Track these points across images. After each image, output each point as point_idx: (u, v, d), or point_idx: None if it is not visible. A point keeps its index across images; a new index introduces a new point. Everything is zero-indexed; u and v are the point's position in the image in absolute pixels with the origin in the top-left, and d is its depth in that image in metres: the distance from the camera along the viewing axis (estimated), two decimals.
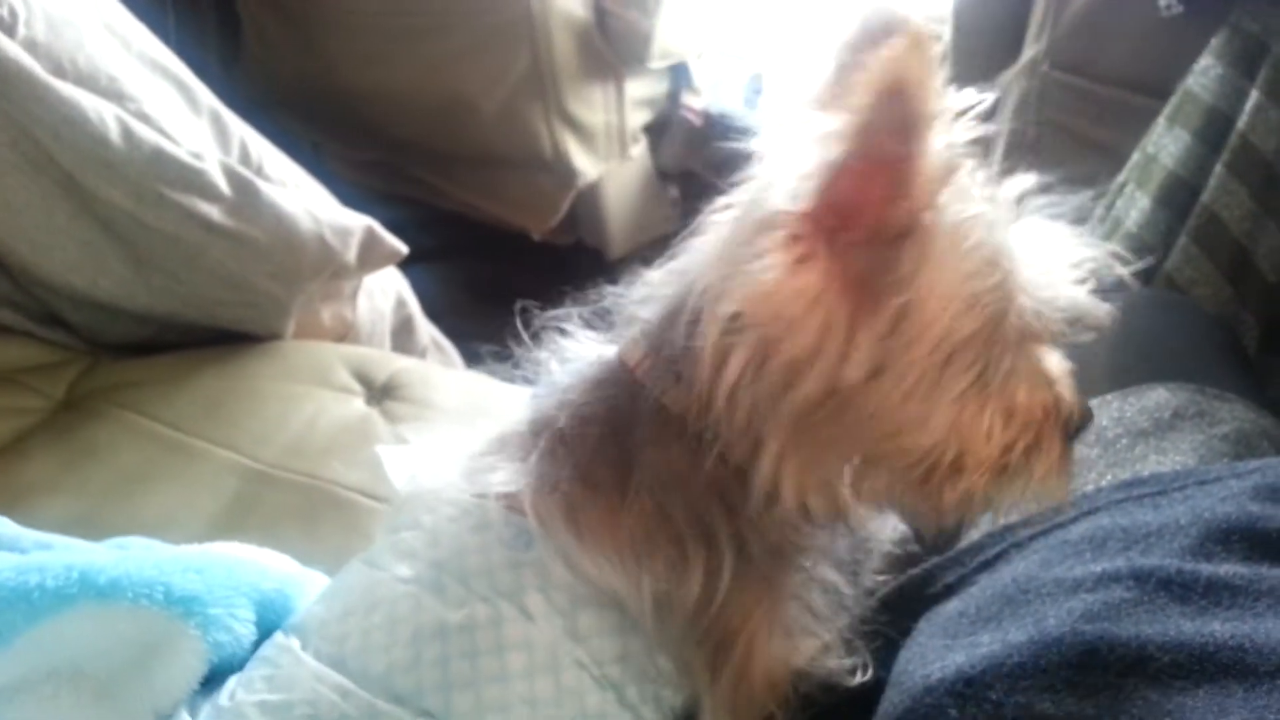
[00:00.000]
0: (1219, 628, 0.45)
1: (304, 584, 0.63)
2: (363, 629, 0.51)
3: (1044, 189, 0.51)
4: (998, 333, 0.47)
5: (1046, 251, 0.50)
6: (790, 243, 0.43)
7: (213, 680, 0.56)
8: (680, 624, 0.51)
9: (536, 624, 0.49)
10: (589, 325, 0.56)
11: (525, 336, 0.58)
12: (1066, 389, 0.53)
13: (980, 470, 0.50)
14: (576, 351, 0.55)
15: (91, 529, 0.69)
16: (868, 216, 0.43)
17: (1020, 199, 0.50)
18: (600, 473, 0.50)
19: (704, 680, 0.52)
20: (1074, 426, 0.53)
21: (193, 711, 0.54)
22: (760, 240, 0.44)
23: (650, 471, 0.50)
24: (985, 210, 0.47)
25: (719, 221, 0.49)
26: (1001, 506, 0.53)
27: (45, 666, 0.54)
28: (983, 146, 0.48)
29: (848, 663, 0.55)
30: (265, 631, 0.58)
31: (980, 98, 0.47)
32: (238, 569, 0.59)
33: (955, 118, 0.46)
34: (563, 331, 0.56)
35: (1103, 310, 0.51)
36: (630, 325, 0.53)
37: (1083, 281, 0.51)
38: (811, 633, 0.54)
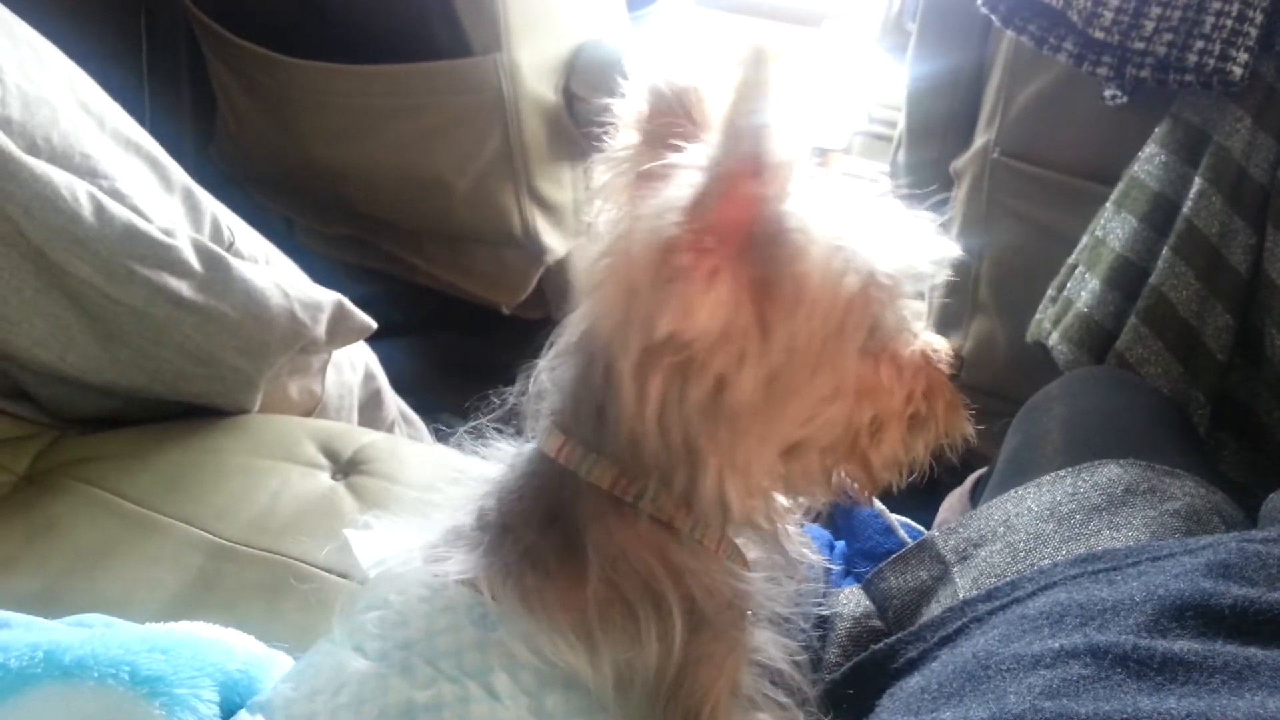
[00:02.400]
0: (1175, 704, 0.46)
1: (269, 664, 0.62)
2: (330, 709, 0.51)
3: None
4: (868, 299, 0.51)
5: (885, 222, 0.54)
6: (699, 260, 0.46)
7: None
8: (643, 698, 0.52)
9: (502, 703, 0.50)
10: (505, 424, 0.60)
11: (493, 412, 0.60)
12: (929, 333, 0.59)
13: (895, 423, 0.56)
14: (504, 450, 0.58)
15: (51, 605, 0.68)
16: (748, 222, 0.47)
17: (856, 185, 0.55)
18: (548, 556, 0.52)
19: None
20: (951, 362, 0.59)
21: None
22: (666, 267, 0.47)
23: (594, 548, 0.52)
24: (831, 192, 0.52)
25: (605, 268, 0.52)
26: (924, 459, 0.58)
27: None
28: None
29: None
30: (229, 712, 0.57)
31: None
32: (203, 649, 0.59)
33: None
34: (483, 434, 0.60)
35: (929, 263, 0.55)
36: (537, 419, 0.56)
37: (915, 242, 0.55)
38: (775, 702, 0.56)
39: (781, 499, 0.57)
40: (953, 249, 0.55)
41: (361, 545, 0.60)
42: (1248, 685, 0.47)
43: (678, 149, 0.48)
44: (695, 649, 0.52)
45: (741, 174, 0.45)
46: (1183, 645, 0.50)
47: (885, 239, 0.52)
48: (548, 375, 0.57)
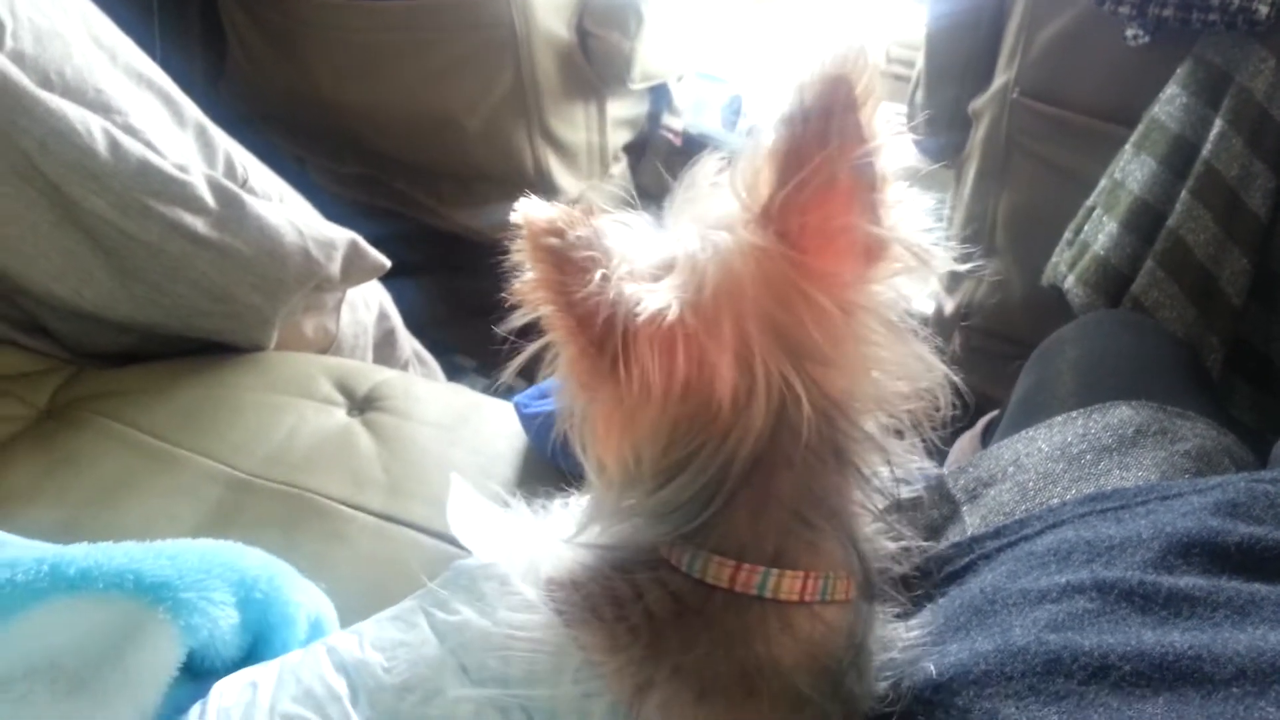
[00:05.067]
0: (1178, 638, 0.47)
1: (291, 579, 0.62)
2: (419, 709, 0.49)
3: None
4: None
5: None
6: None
7: (196, 667, 0.55)
8: None
9: None
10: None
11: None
12: None
13: None
14: (627, 533, 0.51)
15: (72, 536, 0.68)
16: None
17: None
18: (708, 678, 0.47)
19: None
20: None
21: (180, 704, 0.53)
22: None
23: (780, 661, 0.48)
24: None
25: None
26: None
27: (22, 664, 0.53)
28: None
29: None
30: (250, 616, 0.57)
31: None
32: (213, 555, 0.58)
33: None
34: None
35: None
36: (686, 540, 0.49)
37: None
38: None
39: None
40: None
41: (463, 501, 0.58)
42: (1250, 619, 0.47)
43: None
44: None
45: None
46: (1188, 581, 0.50)
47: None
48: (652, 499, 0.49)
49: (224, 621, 0.57)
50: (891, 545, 0.52)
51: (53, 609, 0.55)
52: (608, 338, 0.45)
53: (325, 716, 0.49)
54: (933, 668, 0.49)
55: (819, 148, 0.44)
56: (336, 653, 0.53)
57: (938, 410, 0.51)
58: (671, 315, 0.44)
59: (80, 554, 0.56)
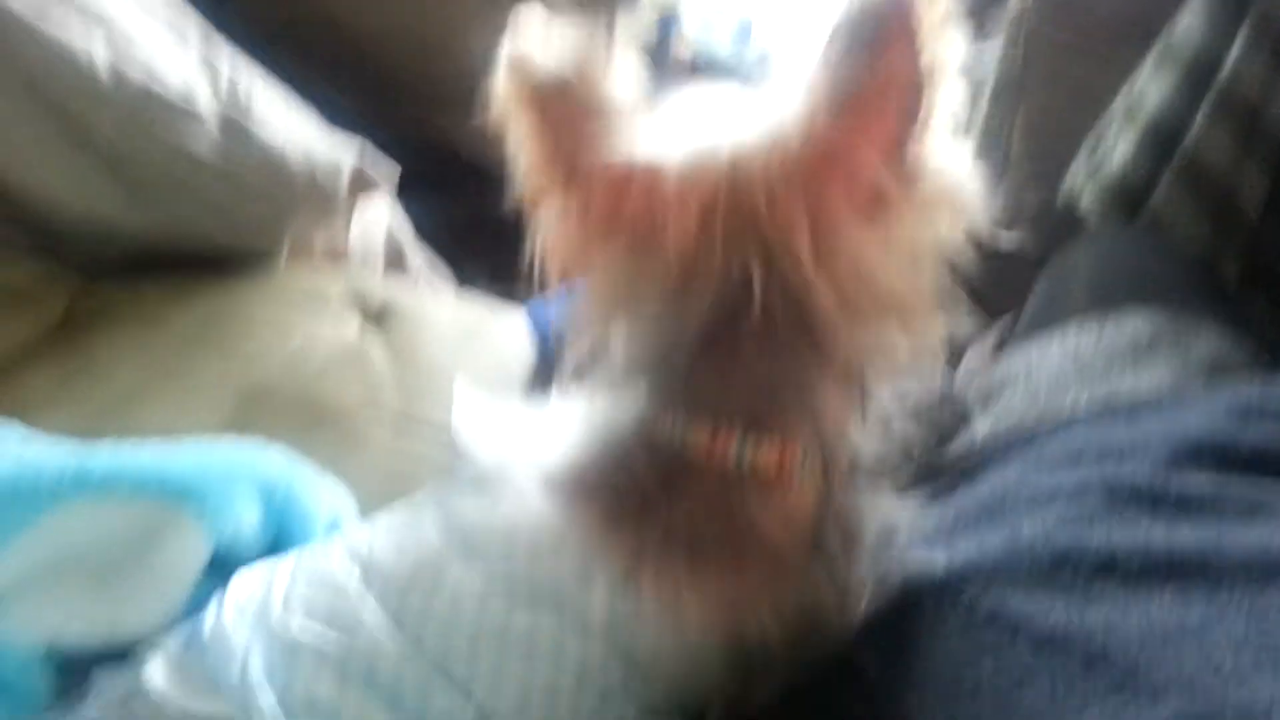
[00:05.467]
0: (1186, 535, 0.47)
1: (312, 479, 0.63)
2: (423, 607, 0.50)
3: None
4: None
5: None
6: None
7: (220, 564, 0.56)
8: (782, 649, 0.50)
9: (594, 645, 0.49)
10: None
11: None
12: None
13: None
14: (623, 407, 0.53)
15: (92, 443, 0.70)
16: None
17: None
18: (697, 543, 0.49)
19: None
20: None
21: (203, 599, 0.54)
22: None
23: (764, 530, 0.49)
24: None
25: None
26: None
27: (51, 559, 0.54)
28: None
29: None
30: (274, 515, 0.58)
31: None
32: (235, 455, 0.59)
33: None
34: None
35: None
36: (672, 403, 0.51)
37: None
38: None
39: None
40: None
41: (466, 404, 0.59)
42: (1258, 518, 0.48)
43: None
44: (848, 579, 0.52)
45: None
46: (1197, 481, 0.51)
47: None
48: (635, 344, 0.52)
49: (247, 521, 0.58)
50: (886, 440, 0.54)
51: (79, 508, 0.55)
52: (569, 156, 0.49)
53: (338, 598, 0.50)
54: (942, 562, 0.50)
55: (868, 75, 0.44)
56: (350, 543, 0.54)
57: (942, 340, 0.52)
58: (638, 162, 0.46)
59: (106, 455, 0.57)
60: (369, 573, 0.51)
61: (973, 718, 0.43)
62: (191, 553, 0.55)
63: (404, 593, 0.50)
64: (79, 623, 0.53)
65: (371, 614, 0.49)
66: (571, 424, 0.54)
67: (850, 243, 0.47)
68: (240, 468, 0.59)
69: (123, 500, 0.55)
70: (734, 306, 0.48)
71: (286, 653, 0.49)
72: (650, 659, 0.50)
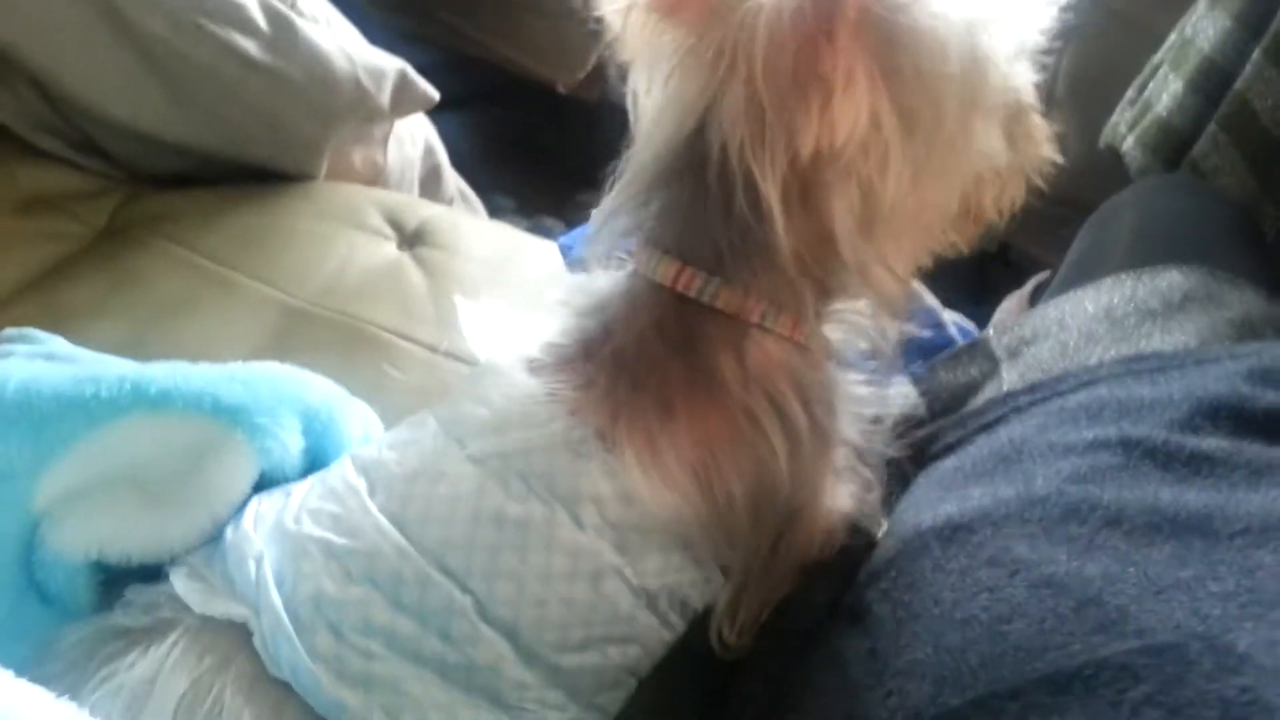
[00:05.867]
0: (1194, 496, 0.48)
1: (347, 404, 0.65)
2: (426, 496, 0.53)
3: None
4: (998, 70, 0.51)
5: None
6: (834, 60, 0.45)
7: (263, 485, 0.58)
8: (732, 529, 0.53)
9: (586, 533, 0.52)
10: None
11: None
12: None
13: (1012, 177, 0.57)
14: (605, 278, 0.57)
15: (136, 352, 0.71)
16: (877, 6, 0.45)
17: None
18: (675, 393, 0.52)
19: (757, 557, 0.55)
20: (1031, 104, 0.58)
21: (257, 527, 0.56)
22: (800, 72, 0.45)
23: (730, 376, 0.52)
24: None
25: (708, 73, 0.50)
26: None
27: (103, 473, 0.57)
28: None
29: (876, 500, 0.59)
30: (312, 441, 0.60)
31: None
32: (281, 382, 0.61)
33: None
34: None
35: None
36: (650, 242, 0.54)
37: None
38: (855, 473, 0.58)
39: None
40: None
41: (469, 318, 0.61)
42: (1266, 480, 0.49)
43: None
44: (812, 454, 0.54)
45: None
46: (1211, 443, 0.52)
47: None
48: (635, 196, 0.54)
49: (293, 446, 0.60)
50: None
51: (135, 424, 0.57)
52: None
53: (345, 506, 0.54)
54: (954, 510, 0.52)
55: None
56: (358, 457, 0.58)
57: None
58: None
59: (161, 374, 0.59)
60: (373, 482, 0.55)
61: (960, 645, 0.45)
62: (241, 472, 0.57)
63: (406, 497, 0.53)
64: (127, 536, 0.55)
65: (374, 518, 0.53)
66: (557, 311, 0.57)
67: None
68: (288, 392, 0.61)
69: (178, 416, 0.57)
70: (706, 147, 0.50)
71: (295, 555, 0.53)
72: (639, 537, 0.52)
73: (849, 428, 0.57)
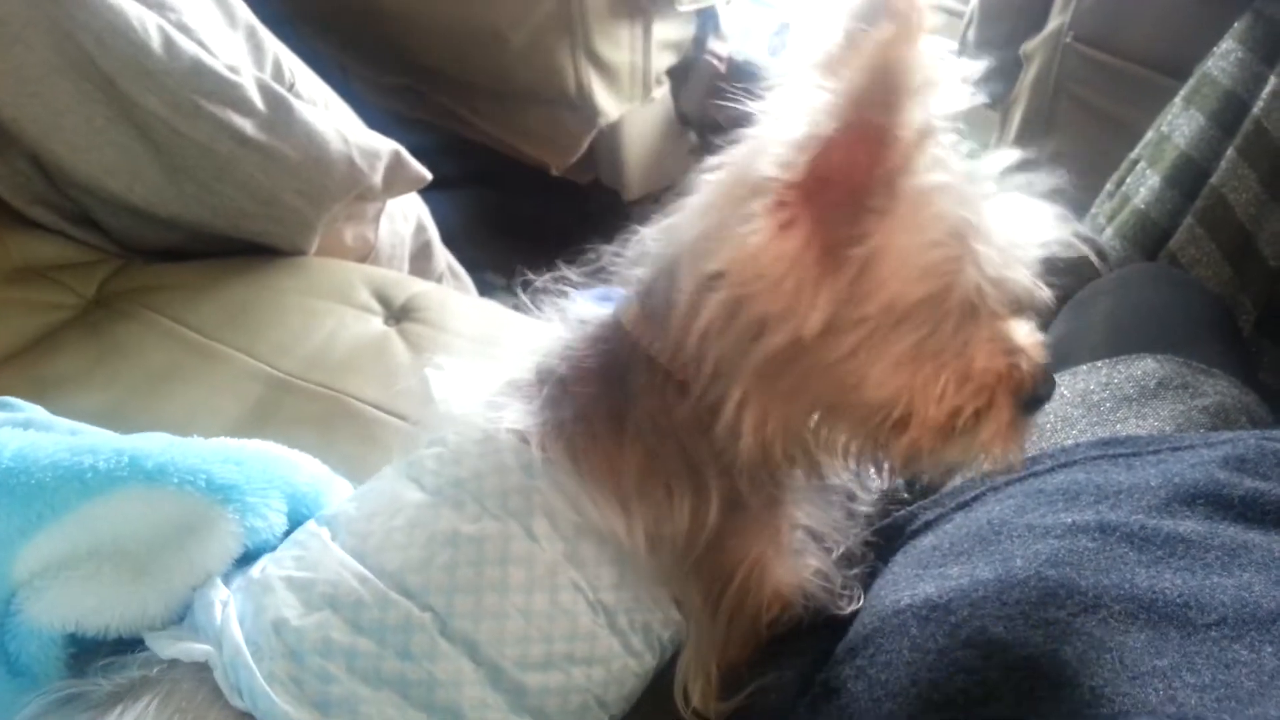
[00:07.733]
0: (1170, 580, 0.49)
1: (331, 484, 0.66)
2: (385, 529, 0.55)
3: (1025, 165, 0.51)
4: (947, 302, 0.49)
5: (1013, 230, 0.51)
6: (777, 209, 0.45)
7: (247, 562, 0.59)
8: (670, 561, 0.55)
9: (540, 545, 0.53)
10: (587, 283, 0.60)
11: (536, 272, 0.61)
12: (1027, 360, 0.53)
13: (925, 429, 0.51)
14: (577, 311, 0.59)
15: (118, 423, 0.72)
16: (849, 183, 0.45)
17: (1001, 174, 0.51)
18: (600, 419, 0.54)
19: (700, 613, 0.56)
20: (1029, 396, 0.53)
21: (226, 584, 0.57)
22: (748, 205, 0.46)
23: (644, 419, 0.53)
24: (956, 182, 0.48)
25: (709, 181, 0.51)
26: (951, 464, 0.55)
27: (89, 544, 0.57)
28: (983, 117, 0.50)
29: (845, 579, 0.59)
30: (295, 523, 0.61)
31: (974, 67, 0.49)
32: (272, 463, 0.62)
33: (948, 87, 0.47)
34: (564, 292, 0.60)
35: (1045, 296, 0.53)
36: (626, 285, 0.57)
37: (1040, 262, 0.52)
38: (814, 552, 0.59)
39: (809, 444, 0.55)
40: (1069, 244, 0.52)
41: (438, 383, 0.62)
42: (1239, 563, 0.49)
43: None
44: (729, 526, 0.54)
45: (861, 134, 0.44)
46: (1188, 525, 0.52)
47: (999, 252, 0.49)
48: (646, 244, 0.56)
49: (277, 526, 0.61)
50: None
51: (128, 497, 0.58)
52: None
53: (306, 548, 0.57)
54: (933, 590, 0.52)
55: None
56: (321, 515, 0.60)
57: None
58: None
59: (157, 448, 0.60)
60: (335, 529, 0.57)
61: None
62: (226, 549, 0.58)
63: (365, 533, 0.56)
64: (108, 609, 0.55)
65: (334, 554, 0.55)
66: (523, 355, 0.59)
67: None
68: (278, 474, 0.62)
69: (171, 493, 0.58)
70: None
71: (258, 594, 0.55)
72: (592, 549, 0.54)
73: (798, 509, 0.58)
